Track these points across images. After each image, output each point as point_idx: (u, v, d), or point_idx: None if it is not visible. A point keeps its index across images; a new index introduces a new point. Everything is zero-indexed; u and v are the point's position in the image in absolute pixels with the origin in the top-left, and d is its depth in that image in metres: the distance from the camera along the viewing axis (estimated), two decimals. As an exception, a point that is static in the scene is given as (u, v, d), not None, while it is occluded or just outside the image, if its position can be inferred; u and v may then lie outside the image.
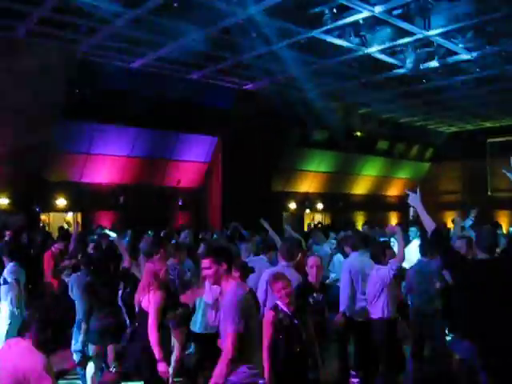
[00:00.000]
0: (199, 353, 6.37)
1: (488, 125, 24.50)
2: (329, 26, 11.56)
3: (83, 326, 6.19)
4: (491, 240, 4.08)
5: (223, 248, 4.33)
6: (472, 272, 3.95)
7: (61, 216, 17.35)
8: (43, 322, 3.19)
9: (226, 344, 3.69)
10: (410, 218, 9.50)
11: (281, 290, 4.61)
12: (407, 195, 4.48)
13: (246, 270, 5.41)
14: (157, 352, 4.72)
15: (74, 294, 6.42)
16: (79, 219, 17.18)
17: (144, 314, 4.94)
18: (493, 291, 3.73)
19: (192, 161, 19.17)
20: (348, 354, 6.46)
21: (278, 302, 4.65)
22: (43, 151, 14.45)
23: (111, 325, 6.07)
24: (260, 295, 5.67)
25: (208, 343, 5.62)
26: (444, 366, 6.60)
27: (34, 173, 14.47)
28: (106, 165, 17.03)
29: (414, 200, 4.39)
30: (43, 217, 16.68)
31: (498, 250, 4.59)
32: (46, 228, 15.25)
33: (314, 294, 5.50)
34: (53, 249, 8.65)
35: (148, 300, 4.91)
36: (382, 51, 13.39)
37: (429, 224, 4.15)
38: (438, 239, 4.19)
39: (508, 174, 4.31)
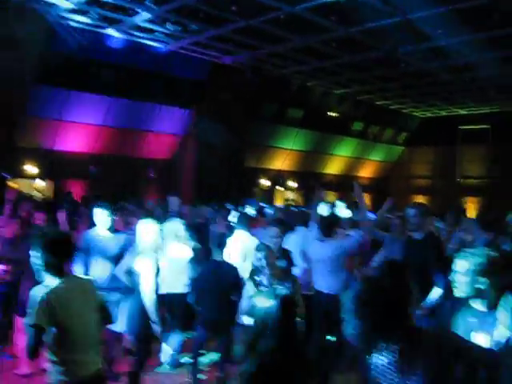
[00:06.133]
0: None
1: (461, 112, 24.79)
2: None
3: None
4: None
5: None
6: None
7: (30, 183, 17.04)
8: None
9: None
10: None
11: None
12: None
13: None
14: None
15: None
16: (49, 187, 16.92)
17: None
18: None
19: (165, 133, 18.98)
20: None
21: None
22: (14, 116, 14.12)
23: None
24: None
25: None
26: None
27: (3, 138, 14.14)
28: (78, 133, 16.72)
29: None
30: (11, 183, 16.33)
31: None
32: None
33: None
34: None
35: None
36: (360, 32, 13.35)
37: None
38: None
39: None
